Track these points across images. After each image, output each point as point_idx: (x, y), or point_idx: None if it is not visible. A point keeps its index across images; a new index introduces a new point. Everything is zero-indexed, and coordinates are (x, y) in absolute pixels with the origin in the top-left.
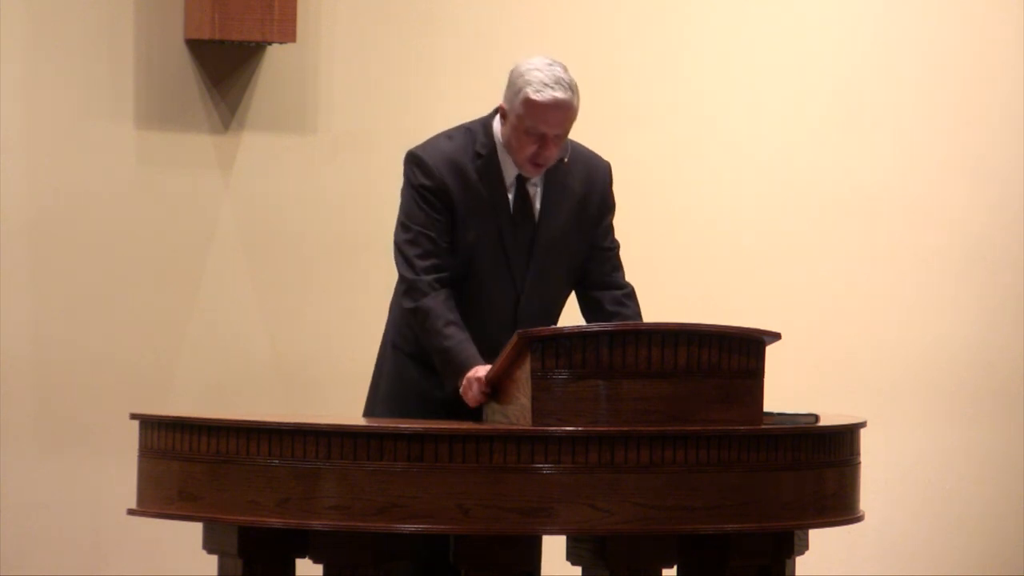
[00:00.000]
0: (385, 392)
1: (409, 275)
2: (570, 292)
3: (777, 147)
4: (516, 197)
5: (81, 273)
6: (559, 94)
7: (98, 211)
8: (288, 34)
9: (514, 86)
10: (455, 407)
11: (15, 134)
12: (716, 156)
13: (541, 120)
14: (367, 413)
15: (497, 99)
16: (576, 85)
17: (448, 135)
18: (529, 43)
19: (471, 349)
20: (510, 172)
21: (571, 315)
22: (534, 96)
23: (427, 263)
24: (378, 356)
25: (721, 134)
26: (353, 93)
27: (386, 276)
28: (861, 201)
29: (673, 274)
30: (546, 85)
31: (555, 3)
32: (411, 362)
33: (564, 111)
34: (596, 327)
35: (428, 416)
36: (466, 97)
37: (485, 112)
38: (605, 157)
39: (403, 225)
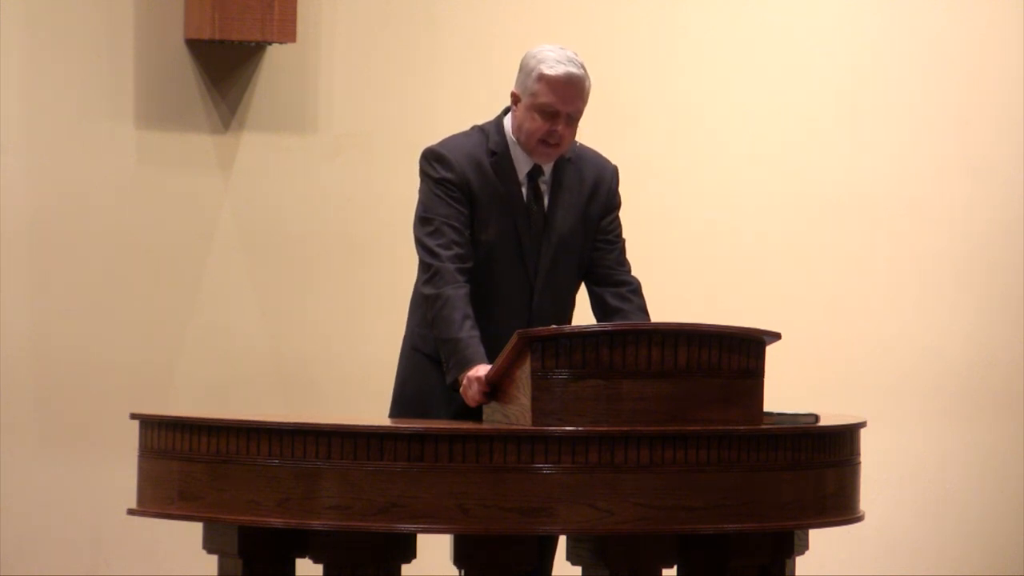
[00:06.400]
0: (408, 395)
1: (433, 262)
2: (579, 286)
3: (777, 147)
4: (528, 193)
5: (81, 273)
6: (573, 70)
7: (98, 211)
8: (288, 34)
9: (527, 67)
10: (478, 411)
11: (15, 134)
12: (716, 156)
13: (556, 95)
14: (392, 416)
15: (497, 99)
16: (586, 68)
17: (464, 134)
18: (529, 44)
19: (479, 348)
20: (522, 169)
21: (583, 313)
22: (549, 71)
23: (451, 252)
24: (399, 360)
25: (721, 134)
26: (353, 93)
27: (386, 275)
28: (861, 201)
29: (673, 274)
30: (559, 62)
31: (555, 3)
32: (431, 364)
33: (577, 86)
34: (596, 327)
35: (452, 418)
36: (466, 97)
37: (485, 112)
38: (607, 158)
39: (423, 219)
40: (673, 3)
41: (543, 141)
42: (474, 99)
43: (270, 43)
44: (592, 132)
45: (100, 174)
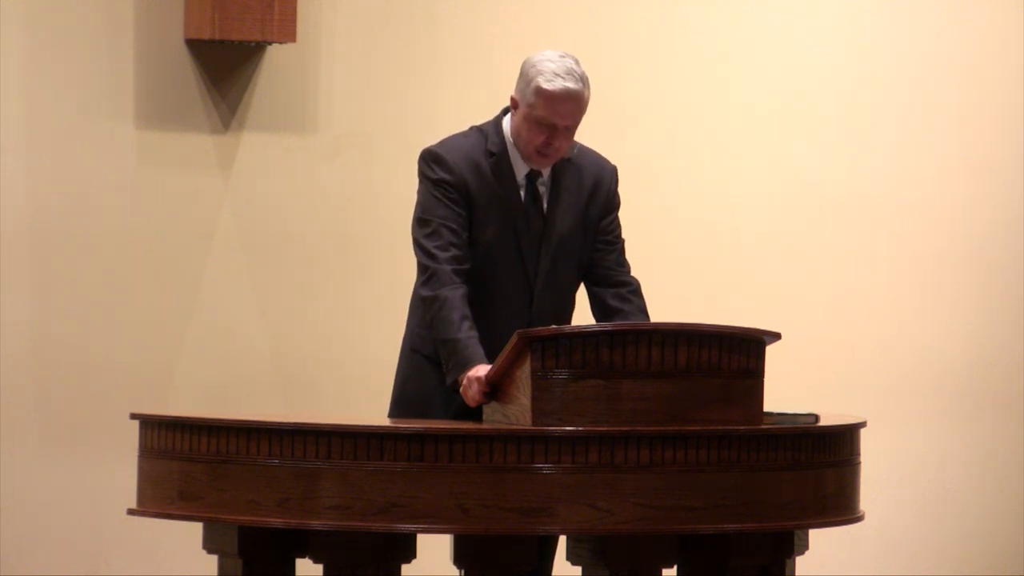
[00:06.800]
0: (408, 396)
1: (431, 264)
2: (579, 287)
3: (777, 147)
4: (527, 195)
5: (81, 273)
6: (571, 84)
7: (98, 211)
8: (288, 34)
9: (526, 76)
10: (478, 411)
11: (15, 134)
12: (716, 156)
13: (552, 110)
14: (391, 417)
15: (497, 100)
16: (587, 78)
17: (462, 134)
18: (529, 44)
19: (478, 348)
20: (521, 171)
21: (582, 313)
22: (546, 85)
23: (448, 254)
24: (398, 361)
25: (721, 134)
26: (353, 93)
27: (386, 275)
28: (861, 201)
29: (673, 274)
30: (558, 75)
31: (555, 4)
32: (430, 365)
33: (575, 102)
34: (596, 327)
35: (452, 419)
36: (466, 97)
37: (485, 112)
38: (606, 158)
39: (421, 220)
40: (673, 3)
41: (539, 151)
42: (474, 99)
43: (270, 43)
44: (592, 132)
45: (100, 174)
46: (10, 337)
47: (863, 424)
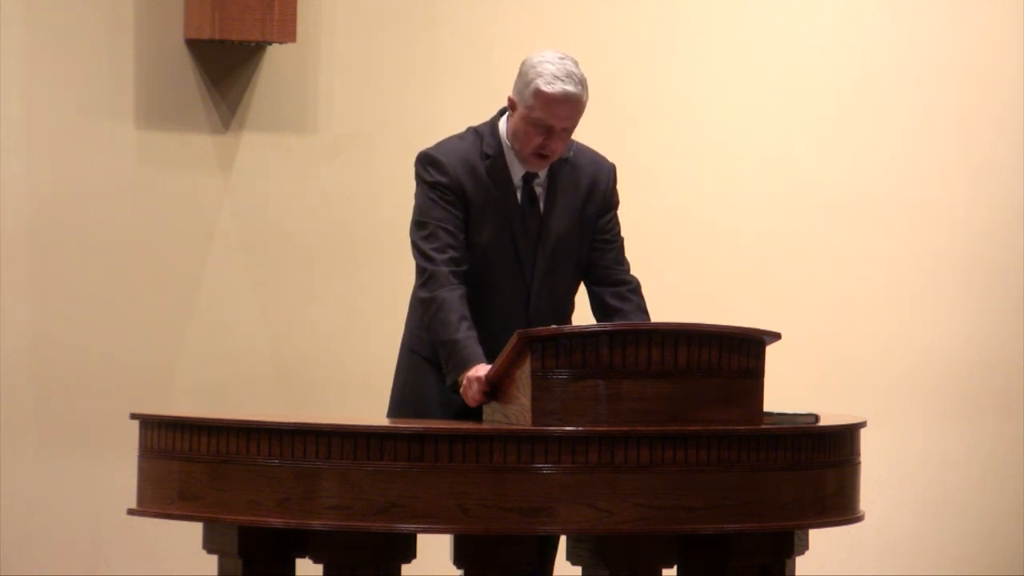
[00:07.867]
0: (407, 397)
1: (428, 266)
2: (577, 289)
3: (777, 147)
4: (523, 196)
5: (81, 273)
6: (569, 87)
7: (98, 211)
8: (288, 34)
9: (525, 77)
10: (477, 411)
11: (15, 134)
12: (716, 156)
13: (550, 112)
14: (390, 417)
15: (497, 100)
16: (586, 80)
17: (458, 136)
18: (529, 44)
19: (477, 348)
20: (517, 172)
21: (582, 313)
22: (545, 88)
23: (445, 255)
24: (397, 362)
25: (721, 134)
26: (353, 93)
27: (386, 275)
28: (861, 201)
29: (673, 274)
30: (557, 78)
31: (555, 4)
32: (428, 366)
33: (573, 105)
34: (596, 327)
35: (452, 419)
36: (466, 97)
37: (485, 112)
38: (604, 156)
39: (419, 223)
40: (673, 3)
41: (535, 153)
42: (474, 99)
43: (270, 43)
44: (592, 132)
45: (100, 174)
46: (10, 337)
47: (863, 424)
